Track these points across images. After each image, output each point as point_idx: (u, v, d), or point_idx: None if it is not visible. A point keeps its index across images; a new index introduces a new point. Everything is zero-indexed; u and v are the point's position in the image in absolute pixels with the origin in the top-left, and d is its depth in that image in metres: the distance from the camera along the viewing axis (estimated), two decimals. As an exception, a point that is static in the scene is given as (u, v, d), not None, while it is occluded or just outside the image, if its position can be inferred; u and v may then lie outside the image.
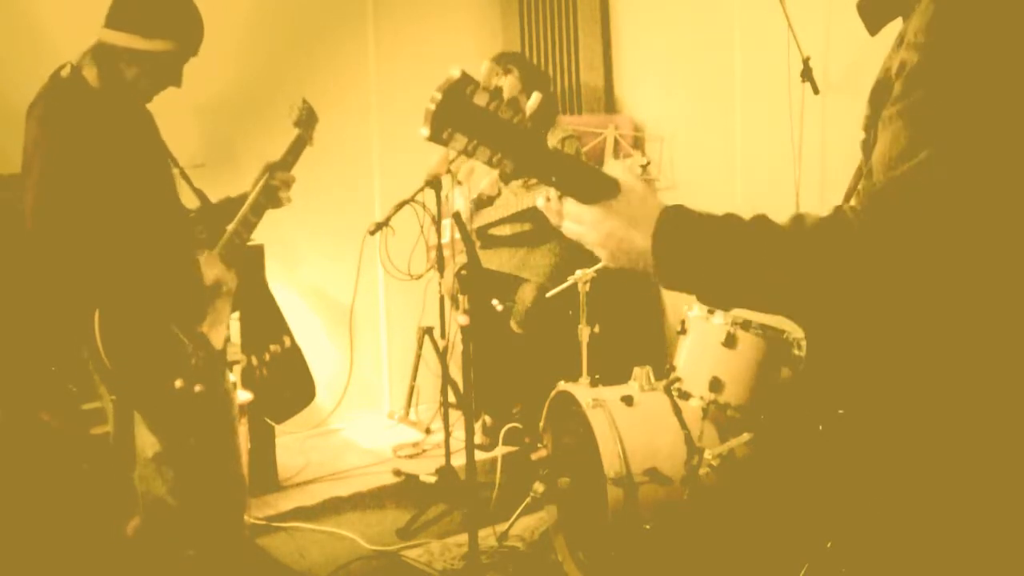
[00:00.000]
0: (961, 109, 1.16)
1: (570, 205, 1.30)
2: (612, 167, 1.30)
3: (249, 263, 2.86)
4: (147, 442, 2.62)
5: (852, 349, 1.32)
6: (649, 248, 1.25)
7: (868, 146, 1.33)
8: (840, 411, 1.39)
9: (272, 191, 2.80)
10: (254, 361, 3.17)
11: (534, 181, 1.26)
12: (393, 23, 4.89)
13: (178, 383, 2.54)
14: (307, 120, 2.92)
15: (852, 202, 1.41)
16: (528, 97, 1.25)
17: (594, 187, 1.28)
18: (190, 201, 2.81)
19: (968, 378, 1.23)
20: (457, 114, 1.16)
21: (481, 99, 1.18)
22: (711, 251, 1.23)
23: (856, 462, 1.41)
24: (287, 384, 3.19)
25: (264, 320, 3.12)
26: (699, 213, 1.26)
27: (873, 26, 1.37)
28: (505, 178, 1.25)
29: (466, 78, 1.17)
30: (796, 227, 1.21)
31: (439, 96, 1.15)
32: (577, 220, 1.30)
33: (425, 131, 1.17)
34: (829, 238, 1.19)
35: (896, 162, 1.18)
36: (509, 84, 1.21)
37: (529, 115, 1.21)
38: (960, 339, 1.22)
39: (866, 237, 1.17)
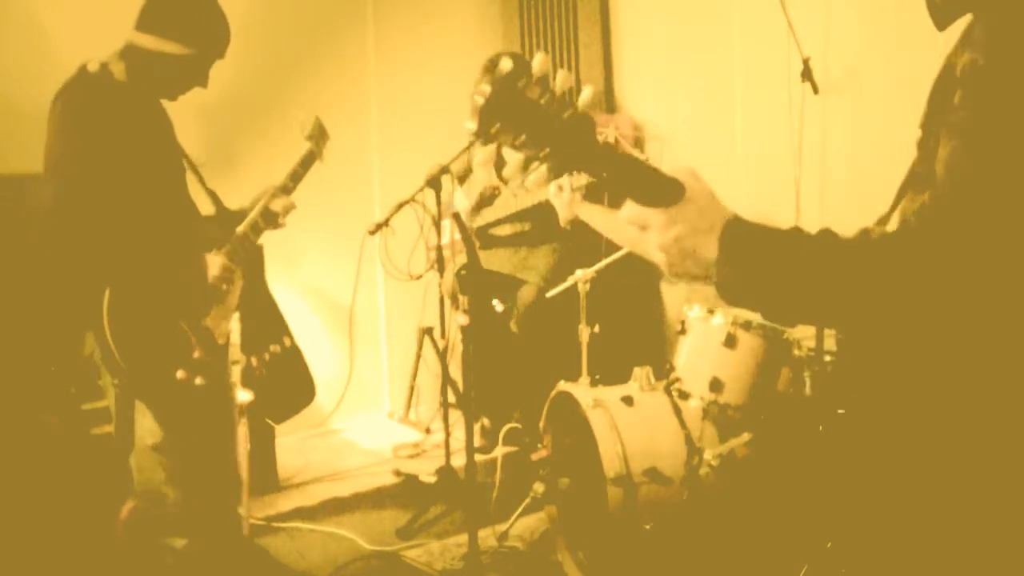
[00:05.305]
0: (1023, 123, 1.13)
1: (631, 208, 1.21)
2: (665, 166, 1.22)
3: (249, 263, 2.91)
4: (147, 431, 2.66)
5: (906, 359, 1.27)
6: (713, 263, 1.20)
7: (926, 145, 1.31)
8: (845, 412, 1.37)
9: (272, 216, 2.89)
10: (254, 361, 3.17)
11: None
12: (393, 23, 4.88)
13: (180, 374, 2.59)
14: (319, 136, 2.97)
15: (905, 201, 1.36)
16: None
17: (654, 188, 1.19)
18: (203, 202, 2.86)
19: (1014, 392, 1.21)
20: (507, 108, 1.09)
21: (533, 93, 1.10)
22: (780, 269, 1.19)
23: (860, 463, 1.40)
24: (287, 384, 3.19)
25: (264, 320, 3.11)
26: (763, 228, 1.21)
27: (941, 21, 1.31)
28: (554, 175, 1.14)
29: (518, 70, 1.10)
30: (864, 242, 1.19)
31: (488, 89, 1.08)
32: (637, 222, 1.22)
33: (472, 125, 1.10)
34: (901, 253, 1.17)
35: (963, 174, 1.16)
36: (562, 77, 1.15)
37: (581, 110, 1.14)
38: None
39: (938, 252, 1.14)
